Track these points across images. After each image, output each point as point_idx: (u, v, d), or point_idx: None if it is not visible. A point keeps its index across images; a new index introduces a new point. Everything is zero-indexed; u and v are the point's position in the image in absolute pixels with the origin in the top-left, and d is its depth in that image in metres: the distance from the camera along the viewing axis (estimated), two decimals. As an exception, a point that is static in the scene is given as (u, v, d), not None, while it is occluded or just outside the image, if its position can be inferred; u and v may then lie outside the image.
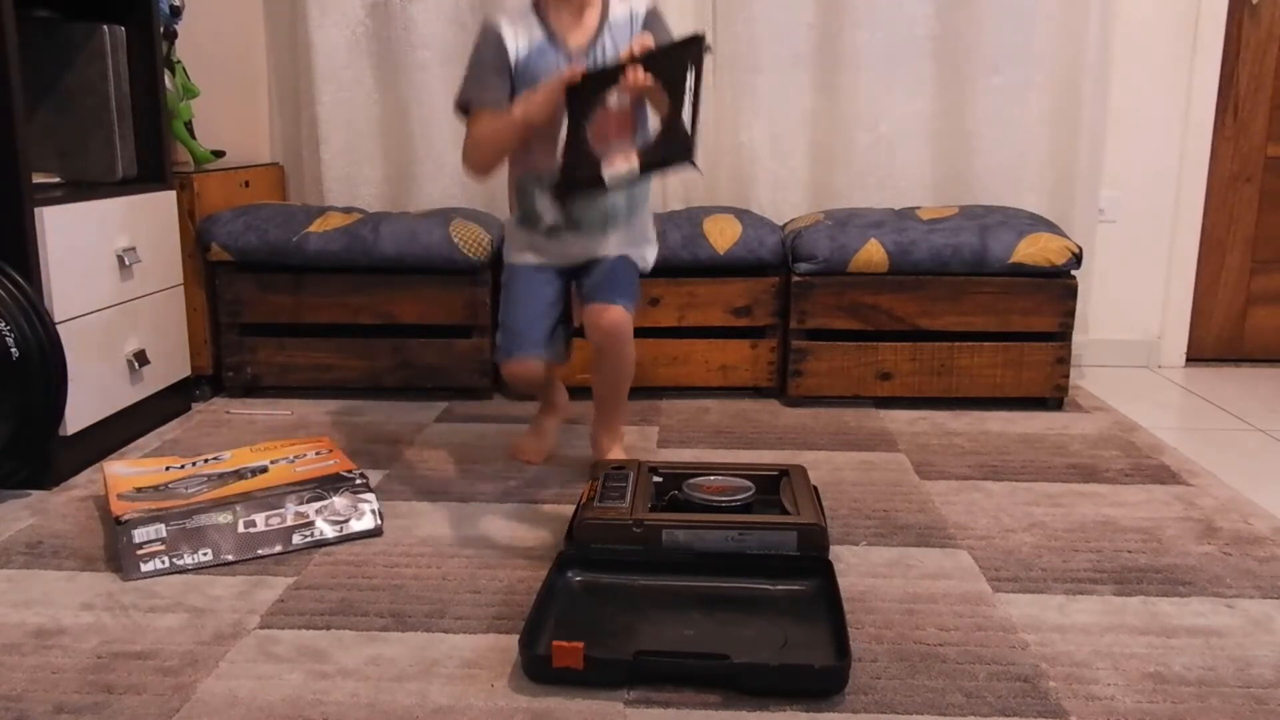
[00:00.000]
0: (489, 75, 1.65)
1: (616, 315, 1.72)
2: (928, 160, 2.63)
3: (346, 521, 1.59)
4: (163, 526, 1.49)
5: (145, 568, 1.46)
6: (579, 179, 1.56)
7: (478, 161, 1.69)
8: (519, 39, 1.65)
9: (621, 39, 1.67)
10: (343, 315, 2.33)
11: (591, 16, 1.69)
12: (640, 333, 1.88)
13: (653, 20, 1.71)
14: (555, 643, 1.16)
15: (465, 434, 2.10)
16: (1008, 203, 2.57)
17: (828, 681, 1.16)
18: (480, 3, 2.56)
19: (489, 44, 1.66)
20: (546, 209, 1.69)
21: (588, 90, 1.52)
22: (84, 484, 1.82)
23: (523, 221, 1.75)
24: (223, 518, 1.52)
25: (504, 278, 1.82)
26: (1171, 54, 2.62)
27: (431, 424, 2.18)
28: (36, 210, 1.74)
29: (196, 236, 2.30)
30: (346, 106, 2.64)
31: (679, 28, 2.52)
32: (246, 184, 2.54)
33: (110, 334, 1.95)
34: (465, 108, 1.68)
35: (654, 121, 1.61)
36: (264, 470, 1.68)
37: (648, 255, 1.83)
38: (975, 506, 1.72)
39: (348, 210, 2.47)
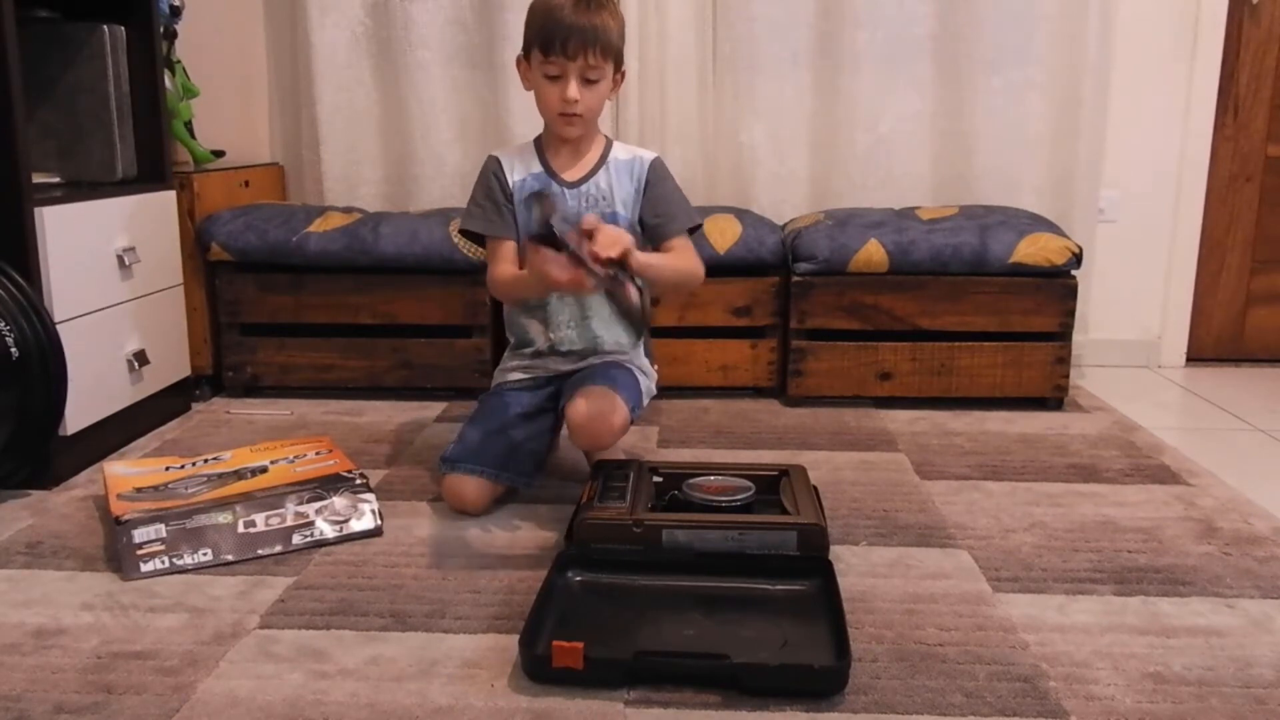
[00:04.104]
0: (496, 206, 1.73)
1: (601, 400, 1.63)
2: (928, 160, 2.63)
3: (346, 521, 1.59)
4: (163, 526, 1.49)
5: (145, 568, 1.46)
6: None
7: (505, 298, 1.79)
8: (516, 171, 1.74)
9: (620, 180, 1.74)
10: (343, 315, 2.33)
11: (591, 154, 1.75)
12: (640, 333, 1.89)
13: (655, 172, 1.75)
14: (555, 643, 1.16)
15: (465, 434, 2.10)
16: (1008, 203, 2.57)
17: (828, 681, 1.16)
18: (480, 2, 2.57)
19: (489, 174, 1.75)
20: (537, 334, 1.78)
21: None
22: (84, 484, 1.82)
23: (514, 348, 1.84)
24: (223, 518, 1.52)
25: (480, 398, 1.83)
26: (1171, 54, 2.62)
27: (431, 424, 2.18)
28: (36, 210, 1.74)
29: (196, 236, 2.30)
30: (346, 106, 2.65)
31: (679, 27, 2.56)
32: (246, 184, 2.54)
33: (110, 334, 1.95)
34: (471, 234, 1.77)
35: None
36: (264, 470, 1.68)
37: (642, 382, 1.78)
38: (975, 506, 1.72)
39: (348, 210, 2.47)
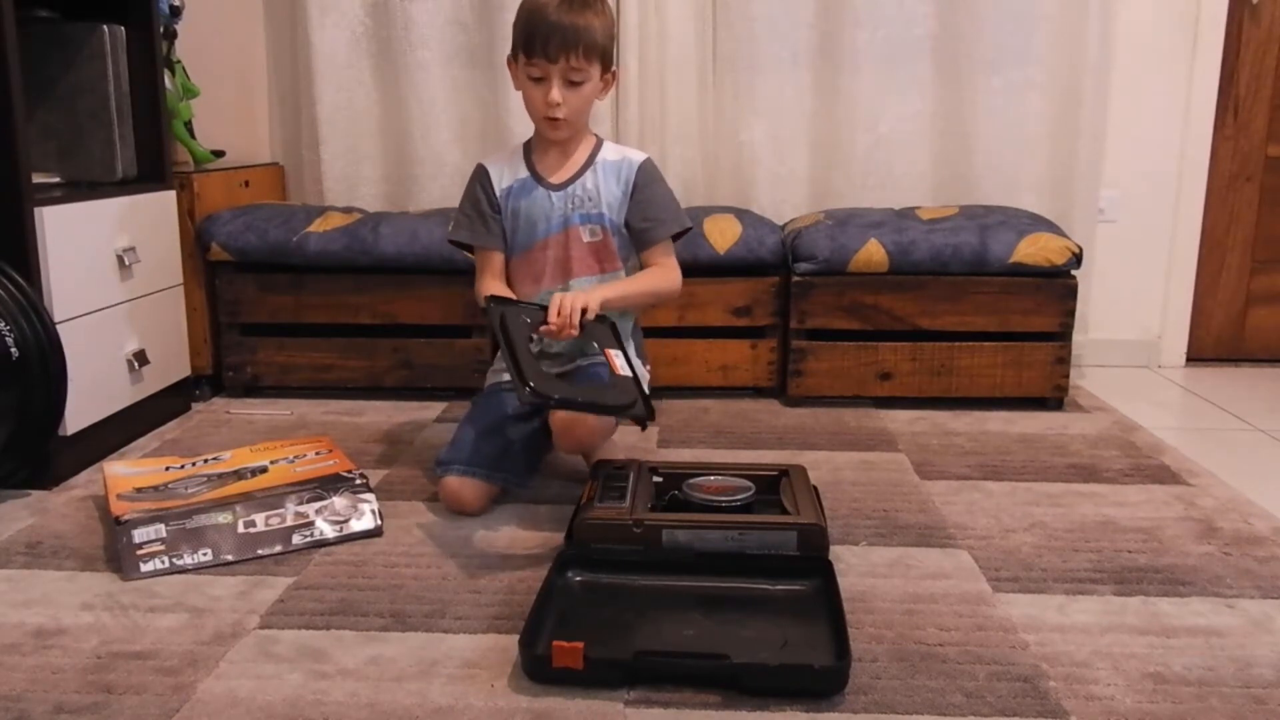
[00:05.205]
0: (482, 217, 1.74)
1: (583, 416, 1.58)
2: (928, 160, 2.63)
3: (346, 521, 1.59)
4: (162, 526, 1.49)
5: (145, 568, 1.46)
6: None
7: None
8: (504, 178, 1.74)
9: (607, 182, 1.73)
10: (343, 315, 2.33)
11: (579, 155, 1.74)
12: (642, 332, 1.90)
13: (644, 174, 1.74)
14: (555, 643, 1.16)
15: (465, 434, 2.10)
16: (1008, 203, 2.57)
17: (828, 681, 1.16)
18: (480, 2, 2.57)
19: (476, 185, 1.76)
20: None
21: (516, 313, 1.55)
22: (84, 484, 1.82)
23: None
24: (223, 518, 1.52)
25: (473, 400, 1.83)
26: (1171, 54, 2.62)
27: (431, 424, 2.18)
28: (36, 210, 1.74)
29: (196, 236, 2.30)
30: (346, 106, 2.65)
31: (679, 27, 2.55)
32: (246, 184, 2.54)
33: (110, 334, 1.95)
34: (460, 243, 1.79)
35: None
36: (264, 470, 1.68)
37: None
38: (975, 506, 1.72)
39: (348, 210, 2.47)
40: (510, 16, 2.55)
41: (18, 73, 1.69)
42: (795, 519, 1.46)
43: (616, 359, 1.55)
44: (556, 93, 1.62)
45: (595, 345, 1.62)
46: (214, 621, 1.32)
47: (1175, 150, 2.67)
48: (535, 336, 1.59)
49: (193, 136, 2.48)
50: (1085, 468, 1.91)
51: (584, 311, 1.55)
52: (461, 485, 1.65)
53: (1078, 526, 1.63)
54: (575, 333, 1.56)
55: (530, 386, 1.41)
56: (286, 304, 2.33)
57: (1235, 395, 2.49)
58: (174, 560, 1.47)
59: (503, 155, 1.79)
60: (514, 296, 1.71)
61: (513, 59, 1.68)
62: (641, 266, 1.76)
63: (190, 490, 1.60)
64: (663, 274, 1.74)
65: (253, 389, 2.40)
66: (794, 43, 2.57)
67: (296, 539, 1.54)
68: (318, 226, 2.30)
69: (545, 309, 1.56)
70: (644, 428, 1.54)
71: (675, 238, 1.76)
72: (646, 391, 1.53)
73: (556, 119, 1.65)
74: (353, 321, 2.33)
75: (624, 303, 1.70)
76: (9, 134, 1.69)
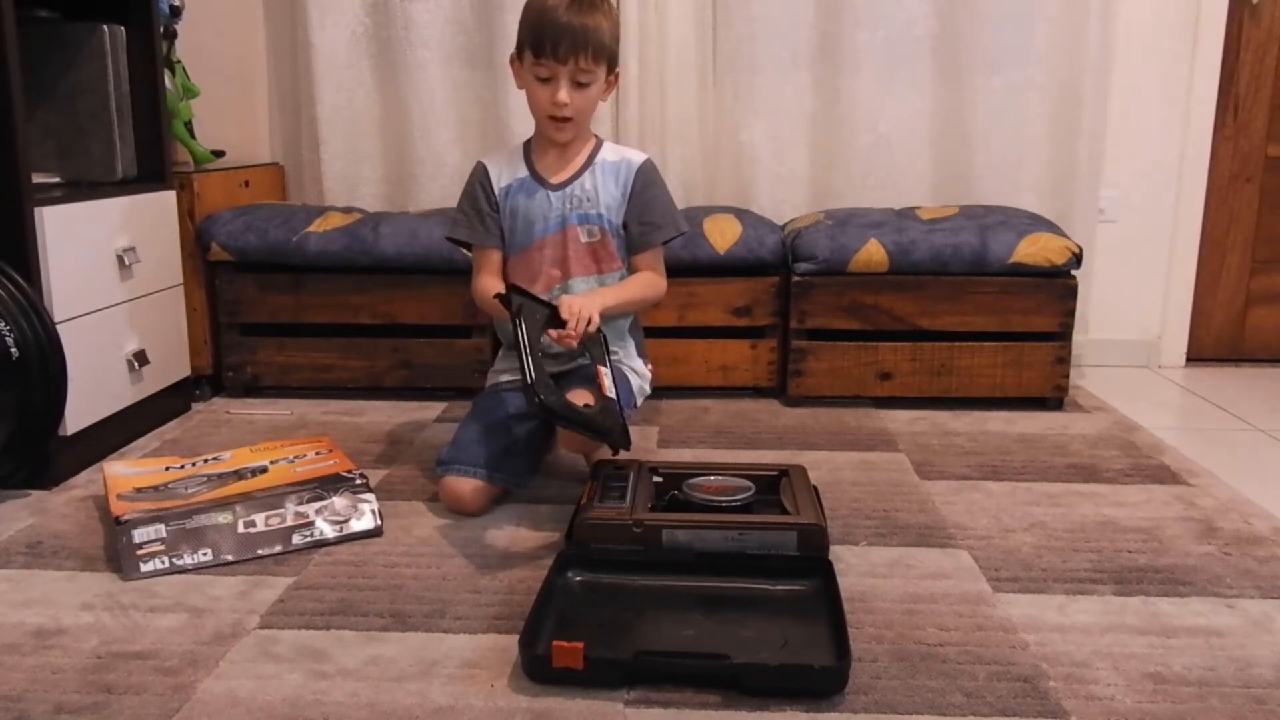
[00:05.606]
0: (480, 215, 1.75)
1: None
2: (928, 160, 2.63)
3: (346, 521, 1.59)
4: (162, 526, 1.49)
5: (145, 568, 1.46)
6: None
7: (486, 311, 1.81)
8: (503, 177, 1.74)
9: (605, 184, 1.73)
10: (343, 315, 2.33)
11: (578, 155, 1.74)
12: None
13: (642, 177, 1.74)
14: (555, 643, 1.16)
15: (465, 434, 2.10)
16: (1008, 202, 2.57)
17: (828, 681, 1.16)
18: (480, 2, 2.57)
19: (475, 183, 1.76)
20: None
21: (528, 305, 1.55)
22: (84, 484, 1.82)
23: (505, 349, 1.86)
24: (222, 518, 1.52)
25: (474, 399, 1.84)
26: (1171, 54, 2.62)
27: (431, 424, 2.18)
28: (36, 210, 1.74)
29: (196, 236, 2.30)
30: (346, 106, 2.65)
31: (679, 28, 2.56)
32: (246, 184, 2.54)
33: (110, 334, 1.95)
34: (458, 241, 1.78)
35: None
36: (264, 470, 1.68)
37: (633, 381, 1.80)
38: (975, 506, 1.72)
39: (348, 210, 2.47)
40: (510, 17, 2.56)
41: (18, 73, 1.69)
42: (795, 519, 1.46)
43: (606, 379, 1.58)
44: (564, 94, 1.62)
45: (589, 356, 1.64)
46: (214, 621, 1.32)
47: (1175, 150, 2.67)
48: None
49: (193, 136, 2.48)
50: (1085, 468, 1.91)
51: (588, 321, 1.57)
52: (462, 485, 1.65)
53: (1078, 526, 1.63)
54: (575, 344, 1.57)
55: (539, 399, 1.42)
56: (286, 304, 2.33)
57: (1235, 395, 2.49)
58: (174, 560, 1.47)
59: (502, 154, 1.79)
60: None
61: (517, 58, 1.67)
62: (630, 268, 1.77)
63: (190, 490, 1.60)
64: (651, 280, 1.76)
65: (253, 389, 2.40)
66: (794, 43, 2.57)
67: (296, 539, 1.54)
68: (318, 226, 2.30)
69: (555, 308, 1.56)
70: (615, 453, 1.57)
71: (669, 240, 1.77)
72: (640, 399, 1.53)
73: (562, 119, 1.65)
74: (353, 321, 2.33)
75: (619, 309, 1.72)
76: (9, 134, 1.69)
